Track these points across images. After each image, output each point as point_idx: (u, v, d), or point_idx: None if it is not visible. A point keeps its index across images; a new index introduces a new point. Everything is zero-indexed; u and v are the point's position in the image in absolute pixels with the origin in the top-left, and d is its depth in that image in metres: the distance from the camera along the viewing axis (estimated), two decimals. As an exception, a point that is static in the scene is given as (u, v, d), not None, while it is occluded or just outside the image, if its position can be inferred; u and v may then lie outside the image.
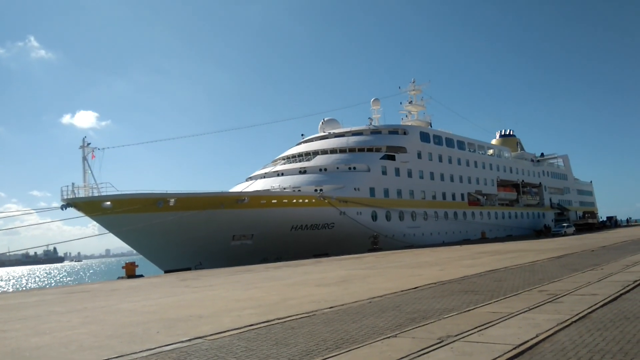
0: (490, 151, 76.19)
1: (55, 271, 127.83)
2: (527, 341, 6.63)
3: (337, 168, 49.86)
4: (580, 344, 6.38)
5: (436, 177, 60.10)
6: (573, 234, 57.70)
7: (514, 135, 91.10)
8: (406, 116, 70.75)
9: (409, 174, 55.43)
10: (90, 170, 36.53)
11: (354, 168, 50.12)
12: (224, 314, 10.82)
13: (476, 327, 7.74)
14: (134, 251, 40.04)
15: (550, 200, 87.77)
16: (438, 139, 62.05)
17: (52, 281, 73.87)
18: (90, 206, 35.80)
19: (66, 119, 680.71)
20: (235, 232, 39.33)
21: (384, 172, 51.95)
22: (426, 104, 72.10)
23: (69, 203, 35.78)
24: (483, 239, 58.77)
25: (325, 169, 49.84)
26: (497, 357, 5.96)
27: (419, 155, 57.77)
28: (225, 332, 8.59)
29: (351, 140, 53.92)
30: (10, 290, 52.72)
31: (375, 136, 56.03)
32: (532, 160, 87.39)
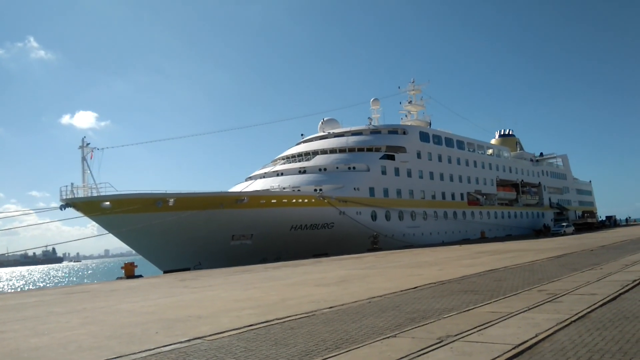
0: (490, 151, 76.21)
1: (52, 272, 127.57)
2: (527, 341, 6.62)
3: (337, 168, 49.85)
4: (580, 344, 6.37)
5: (436, 176, 60.10)
6: (572, 234, 57.73)
7: (513, 135, 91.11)
8: (406, 116, 70.77)
9: (409, 174, 55.43)
10: (90, 171, 36.53)
11: (354, 168, 50.11)
12: (223, 314, 10.81)
13: (476, 327, 7.73)
14: (133, 251, 40.01)
15: (550, 199, 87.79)
16: (437, 139, 62.05)
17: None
18: (89, 206, 35.77)
19: (65, 119, 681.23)
20: (234, 232, 39.31)
21: (384, 172, 51.95)
22: (426, 103, 72.20)
23: (68, 203, 35.75)
24: (482, 239, 58.78)
25: (325, 169, 49.82)
26: (496, 357, 5.95)
27: (419, 155, 57.77)
28: (224, 332, 8.58)
29: (351, 140, 53.90)
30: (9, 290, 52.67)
31: (374, 136, 56.02)
32: (532, 160, 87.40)
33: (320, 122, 60.81)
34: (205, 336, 8.33)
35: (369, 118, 60.81)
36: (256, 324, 9.15)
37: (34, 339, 9.18)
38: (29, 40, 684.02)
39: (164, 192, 37.07)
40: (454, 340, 6.95)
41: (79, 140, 37.13)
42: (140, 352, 7.43)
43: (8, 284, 72.78)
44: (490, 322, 8.11)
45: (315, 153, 52.82)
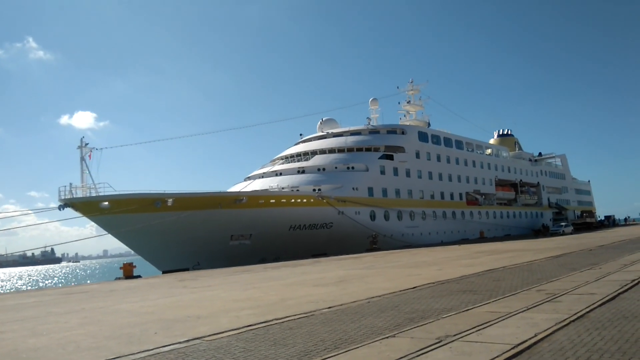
0: (488, 151, 76.26)
1: (49, 272, 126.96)
2: (526, 341, 6.62)
3: (336, 168, 49.84)
4: (579, 344, 6.37)
5: (434, 176, 60.14)
6: (571, 233, 57.76)
7: (511, 135, 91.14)
8: (404, 116, 70.81)
9: (407, 174, 55.45)
10: (88, 171, 36.50)
11: (353, 168, 50.11)
12: (222, 314, 10.80)
13: (475, 327, 7.73)
14: (132, 252, 39.97)
15: (549, 199, 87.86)
16: (436, 139, 62.07)
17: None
18: (88, 206, 35.72)
19: (64, 119, 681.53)
20: (233, 232, 39.29)
21: (383, 172, 51.96)
22: (424, 103, 72.27)
23: (67, 203, 35.71)
24: (481, 239, 58.81)
25: (324, 169, 49.82)
26: (495, 357, 5.95)
27: (417, 155, 57.79)
28: (223, 332, 8.57)
29: (349, 140, 53.91)
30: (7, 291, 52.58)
31: (373, 136, 56.04)
32: (530, 160, 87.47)
33: (319, 122, 60.83)
34: (204, 336, 8.32)
35: (367, 118, 60.86)
36: (255, 324, 9.14)
37: (33, 339, 9.17)
38: (27, 41, 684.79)
39: (163, 192, 37.06)
40: (453, 340, 6.95)
41: (77, 141, 37.12)
42: (139, 352, 7.42)
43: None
44: (489, 322, 8.10)
45: (314, 153, 52.82)
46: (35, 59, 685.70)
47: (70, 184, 35.95)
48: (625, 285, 11.40)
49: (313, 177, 48.26)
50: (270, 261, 35.87)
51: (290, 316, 9.87)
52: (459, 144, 67.12)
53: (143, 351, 7.47)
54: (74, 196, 35.74)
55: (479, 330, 7.54)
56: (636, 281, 12.03)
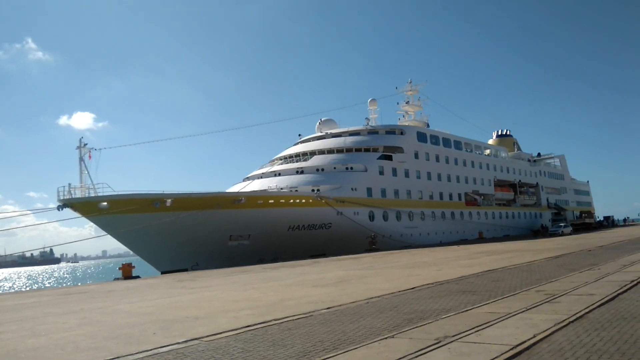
0: (487, 151, 76.28)
1: (45, 274, 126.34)
2: (525, 341, 6.62)
3: (334, 168, 49.83)
4: (578, 344, 6.37)
5: (433, 177, 60.14)
6: (570, 234, 57.78)
7: (510, 135, 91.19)
8: (403, 116, 70.82)
9: (406, 174, 55.46)
10: (87, 171, 36.47)
11: (351, 168, 50.12)
12: (221, 315, 10.79)
13: (474, 328, 7.73)
14: (131, 252, 39.94)
15: (547, 200, 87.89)
16: (435, 139, 62.08)
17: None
18: (87, 207, 35.68)
19: (63, 120, 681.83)
20: (232, 233, 39.26)
21: (381, 172, 51.97)
22: (423, 104, 72.23)
23: (66, 204, 35.67)
24: (480, 239, 58.83)
25: (323, 169, 49.81)
26: (494, 358, 5.94)
27: (416, 155, 57.80)
28: (221, 333, 8.56)
29: (348, 141, 53.91)
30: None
31: (372, 136, 56.05)
32: (529, 160, 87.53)
33: (318, 123, 60.82)
34: (203, 337, 8.31)
35: (366, 118, 60.89)
36: (254, 325, 9.14)
37: (32, 339, 9.15)
38: (27, 42, 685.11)
39: (162, 192, 37.04)
40: (451, 341, 6.94)
41: (76, 141, 37.06)
42: (137, 352, 7.41)
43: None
44: (488, 322, 8.10)
45: (312, 153, 52.81)
46: (35, 60, 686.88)
47: (69, 184, 35.95)
48: (624, 286, 11.41)
49: (312, 177, 48.25)
50: (268, 262, 35.84)
51: (289, 317, 9.86)
52: (458, 145, 67.14)
53: (142, 351, 7.46)
54: (73, 196, 35.71)
55: (477, 331, 7.54)
56: (635, 282, 12.03)
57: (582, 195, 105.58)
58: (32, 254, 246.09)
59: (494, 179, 72.94)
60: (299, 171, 50.01)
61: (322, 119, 61.07)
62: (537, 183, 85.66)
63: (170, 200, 36.31)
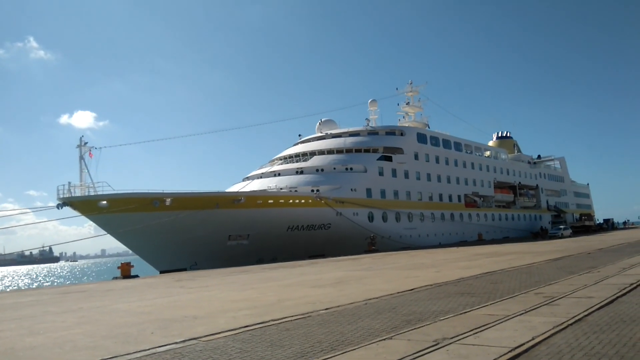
0: (487, 153, 76.30)
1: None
2: (523, 344, 6.60)
3: (334, 169, 49.85)
4: (577, 347, 6.36)
5: (433, 178, 60.15)
6: (570, 236, 57.79)
7: (510, 137, 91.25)
8: (403, 117, 70.91)
9: (406, 175, 55.49)
10: (87, 170, 36.48)
11: (351, 169, 50.13)
12: (219, 314, 10.78)
13: (472, 330, 7.72)
14: (130, 251, 39.93)
15: (547, 202, 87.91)
16: (435, 140, 62.11)
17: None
18: (86, 205, 35.69)
19: (64, 119, 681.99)
20: (231, 232, 39.26)
21: (381, 173, 51.99)
22: (423, 105, 72.34)
23: (65, 202, 35.67)
24: (480, 241, 58.82)
25: (322, 170, 49.83)
26: (493, 360, 5.93)
27: (416, 157, 57.82)
28: (220, 333, 8.56)
29: (348, 141, 53.93)
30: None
31: (372, 137, 56.07)
32: (529, 162, 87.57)
33: (318, 123, 60.86)
34: (201, 337, 8.30)
35: (366, 119, 60.95)
36: (252, 325, 9.13)
37: (30, 338, 9.15)
38: (28, 40, 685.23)
39: (161, 191, 37.06)
40: (450, 343, 6.93)
41: (77, 140, 37.10)
42: (135, 352, 7.40)
43: None
44: (487, 324, 8.09)
45: (312, 154, 52.83)
46: (36, 59, 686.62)
47: (69, 182, 35.96)
48: (623, 289, 11.39)
49: (311, 177, 48.27)
50: (267, 262, 35.84)
51: (287, 317, 9.85)
52: (458, 146, 67.16)
53: (140, 351, 7.45)
54: (73, 195, 35.71)
55: (476, 333, 7.53)
56: (635, 285, 12.02)
57: (582, 198, 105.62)
58: (31, 253, 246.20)
59: (493, 181, 72.96)
60: (299, 171, 50.04)
61: (322, 120, 61.11)
62: (537, 185, 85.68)
63: (169, 199, 36.32)
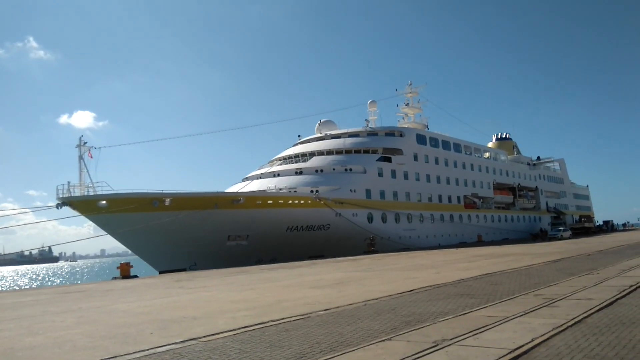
0: (487, 154, 76.33)
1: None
2: (523, 345, 6.60)
3: (333, 169, 49.85)
4: (576, 349, 6.35)
5: (432, 179, 60.15)
6: (569, 238, 57.78)
7: (510, 139, 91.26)
8: (403, 118, 70.92)
9: (405, 176, 55.50)
10: (87, 169, 36.45)
11: (350, 169, 50.13)
12: (218, 315, 10.77)
13: (471, 331, 7.71)
14: (130, 251, 39.90)
15: (547, 204, 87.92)
16: (434, 142, 62.12)
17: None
18: (86, 205, 35.66)
19: (64, 119, 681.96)
20: (230, 233, 39.23)
21: (380, 174, 51.99)
22: (423, 106, 72.37)
23: (65, 202, 35.64)
24: (479, 242, 58.82)
25: (322, 170, 49.82)
26: (492, 362, 5.92)
27: (415, 158, 57.83)
28: (219, 333, 8.55)
29: (347, 142, 53.93)
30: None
31: (371, 138, 56.08)
32: (529, 164, 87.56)
33: (318, 124, 60.89)
34: (200, 337, 8.30)
35: (366, 120, 60.99)
36: (251, 326, 9.12)
37: (29, 338, 9.14)
38: (28, 40, 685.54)
39: (161, 191, 37.03)
40: (449, 344, 6.93)
41: (76, 140, 37.08)
42: (134, 352, 7.40)
43: None
44: (486, 326, 8.09)
45: (312, 154, 52.82)
46: (36, 59, 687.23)
47: (69, 182, 35.93)
48: (623, 291, 11.39)
49: (311, 178, 48.25)
50: (267, 262, 35.82)
51: (286, 318, 9.84)
52: (457, 147, 67.16)
53: (139, 351, 7.44)
54: (72, 195, 35.68)
55: (475, 334, 7.52)
56: (634, 287, 12.02)
57: (581, 200, 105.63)
58: (30, 253, 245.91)
59: (493, 182, 72.96)
60: (298, 172, 50.03)
61: (322, 120, 61.13)
62: (536, 187, 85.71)
63: (169, 199, 36.30)
